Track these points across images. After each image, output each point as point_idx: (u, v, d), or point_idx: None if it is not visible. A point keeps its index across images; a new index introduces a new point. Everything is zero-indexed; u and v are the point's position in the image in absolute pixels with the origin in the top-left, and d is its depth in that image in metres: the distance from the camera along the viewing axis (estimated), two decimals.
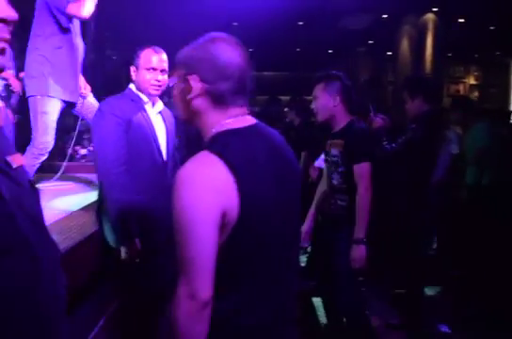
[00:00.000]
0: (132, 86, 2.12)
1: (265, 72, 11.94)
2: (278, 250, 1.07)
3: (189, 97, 1.05)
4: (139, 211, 1.99)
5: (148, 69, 2.05)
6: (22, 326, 0.77)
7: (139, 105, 2.08)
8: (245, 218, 0.97)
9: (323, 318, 2.93)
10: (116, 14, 6.82)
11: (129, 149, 1.99)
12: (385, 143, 3.04)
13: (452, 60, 11.30)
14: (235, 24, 8.94)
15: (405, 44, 9.04)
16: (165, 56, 2.10)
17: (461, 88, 12.42)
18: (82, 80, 3.08)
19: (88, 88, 3.11)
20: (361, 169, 2.24)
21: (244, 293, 1.02)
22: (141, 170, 2.04)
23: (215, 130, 1.05)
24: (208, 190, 0.95)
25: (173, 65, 1.14)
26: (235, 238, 0.99)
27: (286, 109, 5.46)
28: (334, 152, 2.36)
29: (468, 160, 3.45)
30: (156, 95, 2.13)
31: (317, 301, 3.06)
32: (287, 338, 1.14)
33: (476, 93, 12.29)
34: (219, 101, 1.04)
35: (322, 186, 2.56)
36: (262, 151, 1.04)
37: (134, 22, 7.18)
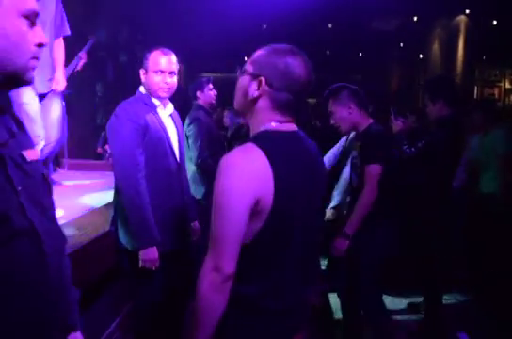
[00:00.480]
0: (142, 88, 2.08)
1: None
2: (303, 243, 1.19)
3: (251, 95, 1.17)
4: (158, 216, 1.98)
5: (156, 71, 2.00)
6: (23, 308, 0.83)
7: (152, 109, 2.05)
8: (278, 207, 1.09)
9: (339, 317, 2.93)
10: (147, 18, 7.00)
11: (146, 153, 1.97)
12: (405, 147, 3.03)
13: (487, 63, 11.01)
14: (264, 26, 9.01)
15: (436, 47, 8.90)
16: (174, 58, 2.04)
17: (496, 91, 12.05)
18: (60, 74, 3.01)
19: (62, 84, 3.01)
20: (371, 171, 2.27)
21: (272, 279, 1.15)
22: (158, 175, 2.01)
23: (262, 128, 1.17)
24: (247, 175, 1.07)
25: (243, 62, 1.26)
26: (268, 227, 1.10)
27: None
28: (354, 153, 2.43)
29: (484, 167, 3.30)
30: (166, 97, 2.08)
31: (334, 301, 3.07)
32: (303, 326, 1.28)
33: None
34: (275, 105, 1.17)
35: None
36: (297, 151, 1.19)
37: (164, 25, 7.34)
